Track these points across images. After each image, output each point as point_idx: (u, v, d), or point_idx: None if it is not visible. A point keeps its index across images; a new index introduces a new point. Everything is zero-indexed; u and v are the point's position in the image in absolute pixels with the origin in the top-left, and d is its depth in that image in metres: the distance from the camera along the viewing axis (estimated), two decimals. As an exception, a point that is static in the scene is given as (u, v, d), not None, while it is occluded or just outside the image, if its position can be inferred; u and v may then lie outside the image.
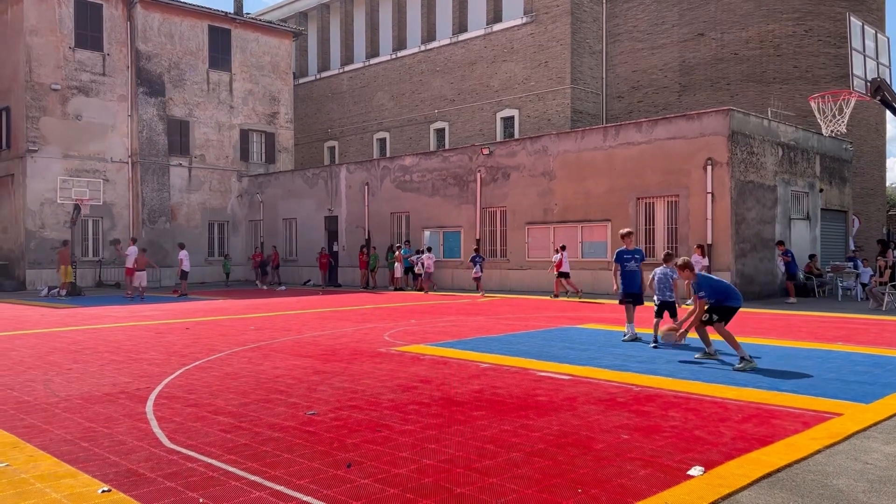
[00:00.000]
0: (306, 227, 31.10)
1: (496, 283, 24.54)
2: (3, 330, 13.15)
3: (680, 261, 9.29)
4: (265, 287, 27.54)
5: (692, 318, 8.93)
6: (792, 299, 18.68)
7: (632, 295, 11.25)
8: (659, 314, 10.59)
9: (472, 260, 23.02)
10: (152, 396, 7.00)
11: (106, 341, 11.33)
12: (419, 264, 24.80)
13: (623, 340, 11.00)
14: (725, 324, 8.75)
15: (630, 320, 11.25)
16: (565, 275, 20.35)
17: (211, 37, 32.51)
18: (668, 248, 20.34)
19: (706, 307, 8.69)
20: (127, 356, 9.69)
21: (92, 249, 29.19)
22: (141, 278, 22.31)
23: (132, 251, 23.04)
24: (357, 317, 15.37)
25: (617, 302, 11.99)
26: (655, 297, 10.73)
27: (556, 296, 20.64)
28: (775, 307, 17.55)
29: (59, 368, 8.73)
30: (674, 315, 10.57)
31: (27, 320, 15.16)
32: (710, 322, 8.74)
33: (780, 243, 19.19)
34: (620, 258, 11.29)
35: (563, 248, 20.77)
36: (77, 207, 25.65)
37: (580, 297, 19.99)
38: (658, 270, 10.81)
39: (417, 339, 11.30)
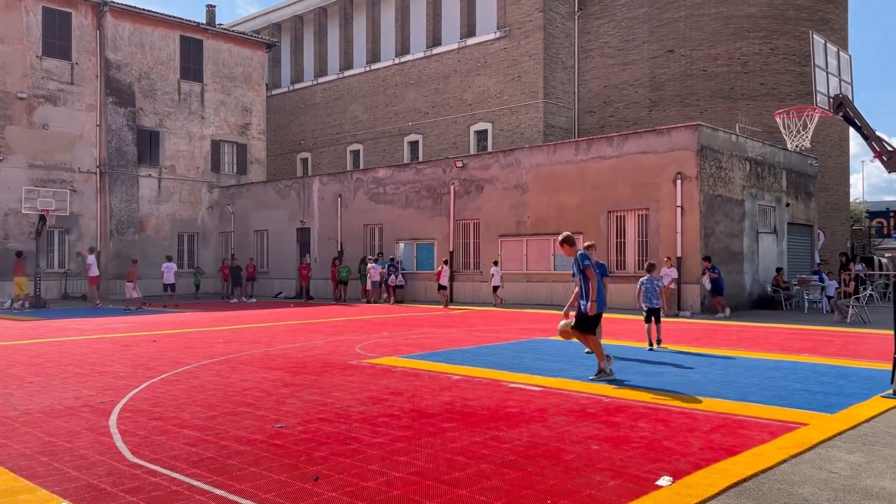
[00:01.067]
0: (278, 239, 30.86)
1: (469, 295, 24.56)
2: (-37, 343, 12.81)
3: (560, 237, 9.18)
4: (239, 300, 27.18)
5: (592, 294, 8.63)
6: (721, 314, 18.70)
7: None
8: (648, 320, 11.71)
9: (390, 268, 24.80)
10: (116, 410, 6.85)
11: (70, 354, 11.10)
12: (393, 276, 24.87)
13: (587, 353, 10.57)
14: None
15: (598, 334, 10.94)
16: (496, 288, 22.50)
17: (183, 47, 32.26)
18: (638, 261, 20.57)
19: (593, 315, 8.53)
20: (91, 369, 9.50)
21: (58, 261, 28.65)
22: (129, 290, 22.50)
23: (92, 260, 23.03)
24: (328, 329, 15.25)
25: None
26: (644, 305, 11.69)
27: (496, 305, 22.37)
28: (744, 319, 17.78)
29: (19, 382, 8.52)
30: (659, 321, 11.73)
31: (-11, 333, 14.79)
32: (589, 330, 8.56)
33: (707, 259, 19.17)
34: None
35: (496, 263, 22.95)
36: (42, 218, 25.19)
37: (502, 307, 22.10)
38: (644, 280, 11.81)
39: (389, 352, 11.24)
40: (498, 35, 34.15)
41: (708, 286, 18.83)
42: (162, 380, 8.60)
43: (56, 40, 28.73)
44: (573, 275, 10.01)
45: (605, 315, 19.06)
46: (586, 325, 8.60)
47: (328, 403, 7.10)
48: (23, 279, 22.94)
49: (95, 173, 29.68)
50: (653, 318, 11.65)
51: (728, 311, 18.75)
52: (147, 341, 12.90)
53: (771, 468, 4.91)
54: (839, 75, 17.94)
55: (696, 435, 5.82)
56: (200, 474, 4.76)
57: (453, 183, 24.99)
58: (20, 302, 23.48)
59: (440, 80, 36.45)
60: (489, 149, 33.08)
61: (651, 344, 11.59)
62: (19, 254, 24.00)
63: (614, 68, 33.34)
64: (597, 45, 34.00)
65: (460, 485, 4.54)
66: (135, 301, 22.55)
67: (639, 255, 20.77)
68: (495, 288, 22.49)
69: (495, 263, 22.91)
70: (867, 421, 6.35)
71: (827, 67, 17.15)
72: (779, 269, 22.17)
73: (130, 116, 30.42)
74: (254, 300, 27.26)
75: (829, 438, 5.72)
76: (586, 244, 10.97)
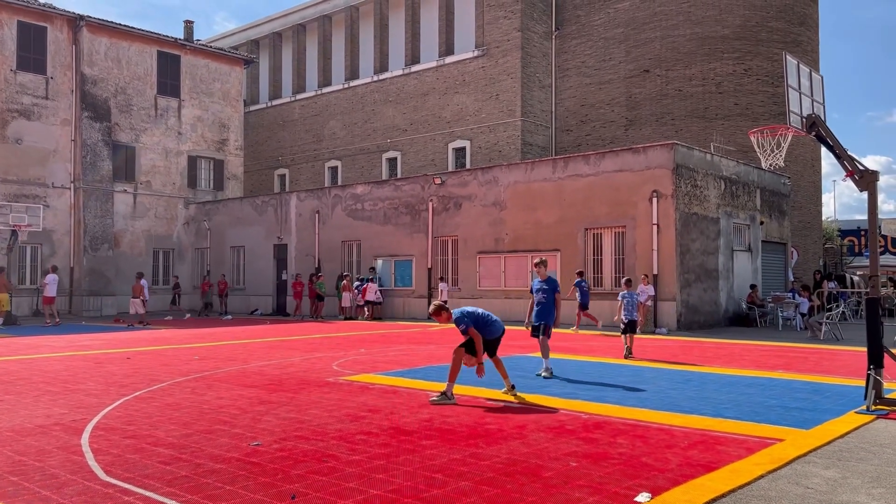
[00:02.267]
0: (255, 256, 30.65)
1: (447, 312, 24.50)
2: (-70, 360, 12.51)
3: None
4: (200, 316, 26.93)
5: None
6: (574, 328, 18.97)
7: (538, 327, 10.36)
8: (625, 331, 12.86)
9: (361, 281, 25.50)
10: (88, 428, 6.72)
11: (41, 371, 10.88)
12: (372, 292, 24.79)
13: (539, 375, 10.14)
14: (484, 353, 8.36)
15: (545, 355, 10.32)
16: (369, 302, 24.53)
17: (160, 62, 32.11)
18: (615, 278, 20.72)
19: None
20: (63, 386, 9.32)
21: (29, 277, 28.18)
22: (136, 305, 22.60)
23: (51, 279, 22.67)
24: (305, 346, 15.13)
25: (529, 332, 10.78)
26: (623, 317, 12.86)
27: (376, 319, 24.31)
28: (719, 336, 17.94)
29: (-12, 400, 8.33)
30: (634, 331, 12.96)
31: (-43, 350, 14.46)
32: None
33: (579, 273, 19.58)
34: (532, 289, 10.68)
35: (371, 279, 25.02)
36: (14, 234, 24.78)
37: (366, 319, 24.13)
38: (624, 293, 13.03)
39: (367, 369, 11.17)
40: (476, 54, 34.43)
41: (578, 298, 19.07)
42: (136, 397, 8.47)
43: (31, 54, 28.46)
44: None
45: (582, 331, 19.15)
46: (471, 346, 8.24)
47: (305, 421, 7.03)
48: (4, 295, 22.44)
49: (69, 188, 29.33)
50: (629, 330, 12.87)
51: (600, 323, 19.11)
52: (121, 358, 12.70)
53: (748, 484, 4.94)
54: (812, 95, 18.26)
55: (675, 451, 5.84)
56: (175, 493, 4.68)
57: (431, 200, 25.04)
58: (-2, 318, 23.00)
59: (419, 98, 36.61)
60: (467, 166, 33.23)
61: (628, 352, 12.70)
62: (1, 269, 23.54)
63: (591, 87, 33.73)
64: (574, 64, 34.40)
65: (439, 502, 4.51)
66: (140, 317, 22.64)
67: (615, 272, 20.91)
68: (368, 302, 24.48)
69: (370, 280, 25.08)
70: (842, 436, 6.41)
71: (800, 88, 17.44)
72: (753, 287, 22.43)
73: (106, 131, 30.15)
74: (229, 317, 27.00)
75: (805, 454, 5.77)
76: (536, 261, 10.94)
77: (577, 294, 19.06)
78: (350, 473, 5.16)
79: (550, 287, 10.40)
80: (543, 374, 10.15)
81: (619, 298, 13.09)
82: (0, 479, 5.02)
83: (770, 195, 24.89)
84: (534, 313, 10.48)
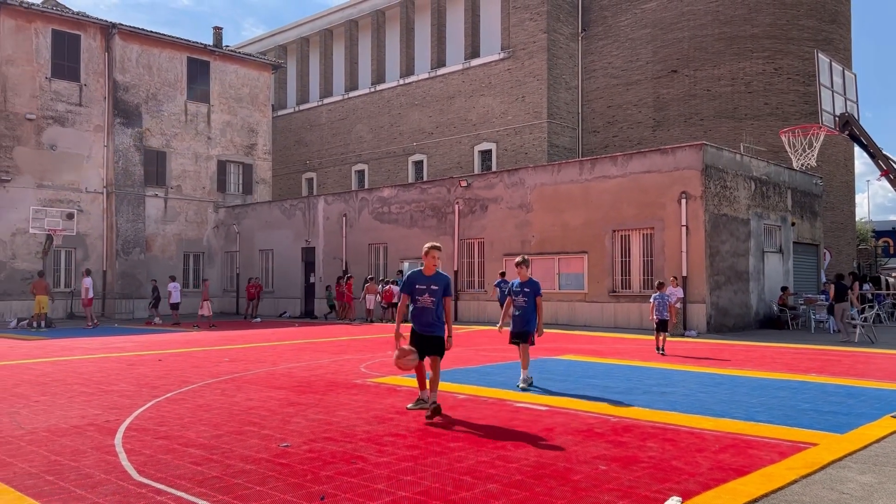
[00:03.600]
0: (283, 259, 30.91)
1: (474, 314, 24.51)
2: (-31, 362, 12.82)
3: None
4: (246, 319, 27.17)
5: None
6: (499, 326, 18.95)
7: (519, 335, 9.45)
8: (658, 330, 13.87)
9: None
10: (121, 429, 6.83)
11: (76, 373, 11.09)
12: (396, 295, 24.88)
13: (519, 387, 9.28)
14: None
15: (525, 365, 9.46)
16: (392, 305, 24.47)
17: (190, 68, 32.56)
18: (643, 280, 20.57)
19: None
20: (97, 388, 9.48)
21: (64, 280, 28.72)
22: (206, 307, 23.77)
23: (88, 282, 23.10)
24: (333, 348, 15.22)
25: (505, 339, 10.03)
26: (655, 316, 13.76)
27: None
28: (750, 339, 17.69)
29: (25, 401, 8.51)
30: (666, 330, 13.92)
31: (-6, 352, 14.80)
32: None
33: (502, 274, 19.86)
34: (511, 291, 9.64)
35: (395, 282, 24.82)
36: (49, 238, 25.27)
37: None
38: (656, 295, 13.92)
39: (394, 371, 11.20)
40: (502, 56, 34.39)
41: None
42: (167, 399, 8.59)
43: (65, 62, 29.03)
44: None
45: (612, 335, 19.03)
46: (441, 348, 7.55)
47: (333, 423, 7.07)
48: (44, 298, 22.92)
49: (102, 193, 29.85)
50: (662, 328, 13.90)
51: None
52: (153, 360, 12.89)
53: (781, 488, 4.86)
54: (844, 94, 18.02)
55: (705, 455, 5.77)
56: (206, 493, 4.74)
57: (458, 202, 25.05)
58: (26, 321, 23.48)
59: (445, 101, 36.67)
60: (493, 168, 33.19)
61: (659, 349, 13.79)
62: (41, 273, 24.02)
63: (618, 88, 33.51)
64: (600, 65, 34.21)
65: (467, 504, 4.51)
66: (206, 318, 23.67)
67: (644, 275, 20.73)
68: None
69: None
70: (878, 441, 6.29)
71: (832, 86, 17.22)
72: (784, 288, 22.08)
73: (137, 137, 30.64)
74: (258, 319, 27.25)
75: (840, 459, 5.66)
76: (517, 260, 9.80)
77: (497, 294, 19.35)
78: (378, 475, 5.18)
79: (532, 290, 9.41)
80: (522, 385, 9.22)
81: (651, 300, 13.96)
82: (37, 479, 5.13)
83: (801, 196, 24.49)
84: (514, 319, 9.48)
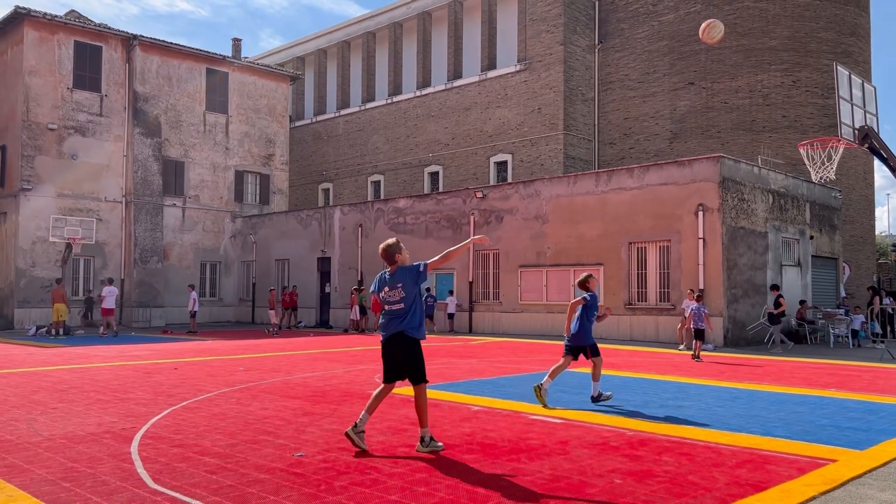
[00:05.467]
0: (299, 269, 31.05)
1: (489, 325, 24.46)
2: (-11, 368, 12.96)
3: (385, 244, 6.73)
4: (291, 327, 27.37)
5: None
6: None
7: (581, 348, 9.15)
8: (695, 338, 15.13)
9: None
10: (138, 436, 6.87)
11: (93, 380, 11.18)
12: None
13: (604, 398, 9.15)
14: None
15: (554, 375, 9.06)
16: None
17: (209, 79, 32.91)
18: (660, 293, 20.46)
19: None
20: (113, 395, 9.55)
21: (82, 289, 28.99)
22: (272, 315, 25.33)
23: (108, 291, 23.24)
24: (348, 358, 15.24)
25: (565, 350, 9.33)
26: (692, 325, 15.19)
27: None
28: (768, 353, 17.51)
29: (43, 407, 8.58)
30: (702, 338, 15.21)
31: (13, 359, 14.96)
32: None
33: (427, 289, 20.25)
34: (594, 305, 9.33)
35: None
36: (69, 246, 25.54)
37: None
38: (693, 306, 15.32)
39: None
40: (518, 68, 34.47)
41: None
42: (183, 407, 8.63)
43: (87, 73, 29.45)
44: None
45: (628, 348, 18.99)
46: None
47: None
48: (62, 306, 23.14)
49: (121, 202, 30.17)
50: (699, 337, 15.11)
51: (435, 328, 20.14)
52: (169, 368, 12.97)
53: (800, 505, 4.80)
54: (864, 107, 17.87)
55: (722, 470, 5.71)
56: (220, 502, 4.75)
57: (473, 213, 25.07)
58: (45, 329, 23.71)
59: (461, 112, 36.78)
60: (509, 180, 33.20)
61: (695, 356, 14.91)
62: (59, 281, 24.27)
63: (635, 100, 33.45)
64: (617, 77, 34.18)
65: (481, 517, 4.48)
66: (273, 326, 25.21)
67: (660, 287, 20.61)
68: (451, 316, 24.72)
69: (451, 293, 25.30)
70: (898, 458, 6.19)
71: (851, 99, 17.09)
72: (802, 302, 21.84)
73: (157, 147, 30.97)
74: (302, 324, 27.49)
75: (860, 475, 5.58)
76: (586, 275, 9.47)
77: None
78: (392, 486, 5.17)
79: (594, 302, 9.34)
80: (607, 395, 9.16)
81: (688, 311, 15.56)
82: (53, 485, 5.17)
83: (820, 209, 24.28)
84: (584, 331, 9.16)
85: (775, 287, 19.25)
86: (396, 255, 6.50)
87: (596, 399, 9.04)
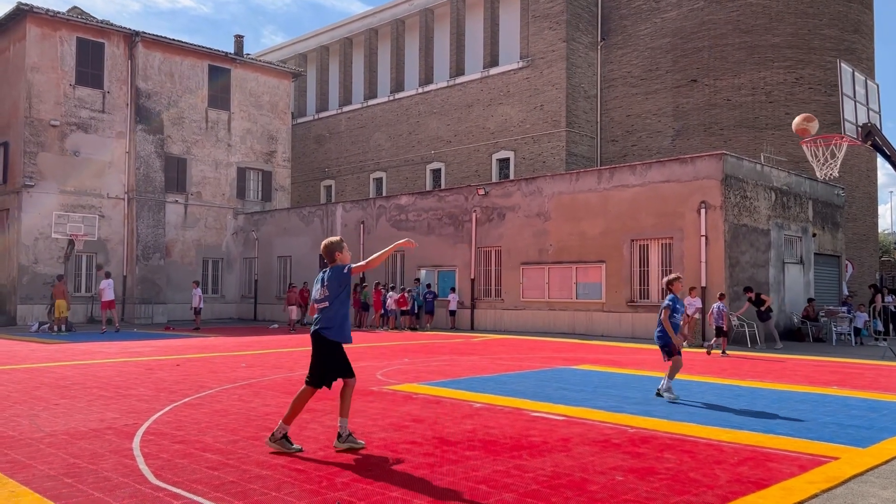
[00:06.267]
0: (301, 266, 31.05)
1: (491, 322, 24.46)
2: (-9, 364, 12.98)
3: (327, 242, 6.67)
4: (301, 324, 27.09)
5: None
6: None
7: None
8: (717, 335, 16.14)
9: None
10: (139, 433, 6.88)
11: (95, 377, 11.19)
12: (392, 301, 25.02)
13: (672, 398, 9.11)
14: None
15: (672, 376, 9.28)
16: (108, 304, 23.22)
17: (211, 76, 32.90)
18: (662, 290, 20.41)
19: None
20: (115, 392, 9.57)
21: (85, 285, 29.04)
22: (292, 312, 25.53)
23: (107, 284, 23.16)
24: (350, 355, 15.20)
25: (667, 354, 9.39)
26: (714, 324, 16.20)
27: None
28: (770, 350, 17.50)
29: (45, 403, 8.60)
30: (726, 335, 16.22)
31: (16, 355, 14.99)
32: None
33: (427, 285, 20.27)
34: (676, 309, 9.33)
35: (406, 290, 25.49)
36: (71, 243, 25.56)
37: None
38: (716, 305, 16.41)
39: (410, 378, 11.19)
40: (521, 65, 34.42)
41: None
42: (185, 403, 8.64)
43: (89, 69, 29.45)
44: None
45: (630, 345, 18.96)
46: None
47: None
48: (63, 302, 23.16)
49: (123, 199, 30.20)
50: (721, 334, 16.11)
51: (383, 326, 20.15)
52: (171, 365, 12.99)
53: (802, 502, 4.79)
54: (867, 104, 17.81)
55: (724, 467, 5.71)
56: (222, 498, 4.75)
57: (475, 210, 25.05)
58: (47, 325, 23.74)
59: (463, 109, 36.75)
60: (511, 177, 33.17)
61: (723, 352, 15.83)
62: (60, 277, 24.28)
63: (637, 98, 33.39)
64: (619, 74, 34.12)
65: (483, 514, 4.48)
66: (293, 322, 25.46)
67: (662, 285, 20.57)
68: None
69: (452, 290, 25.19)
70: (900, 456, 6.18)
71: (855, 96, 17.02)
72: (810, 301, 21.79)
73: (159, 144, 30.98)
74: (276, 325, 27.37)
75: (862, 473, 5.57)
76: (676, 276, 9.59)
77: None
78: (394, 482, 5.17)
79: (677, 305, 9.32)
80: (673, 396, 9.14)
81: (712, 309, 16.51)
82: (55, 481, 5.17)
83: (823, 206, 24.24)
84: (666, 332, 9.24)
85: (749, 289, 18.91)
86: (336, 252, 6.42)
87: (662, 392, 9.25)
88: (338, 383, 6.37)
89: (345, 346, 6.31)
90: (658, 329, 9.35)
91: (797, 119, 7.86)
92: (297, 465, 5.64)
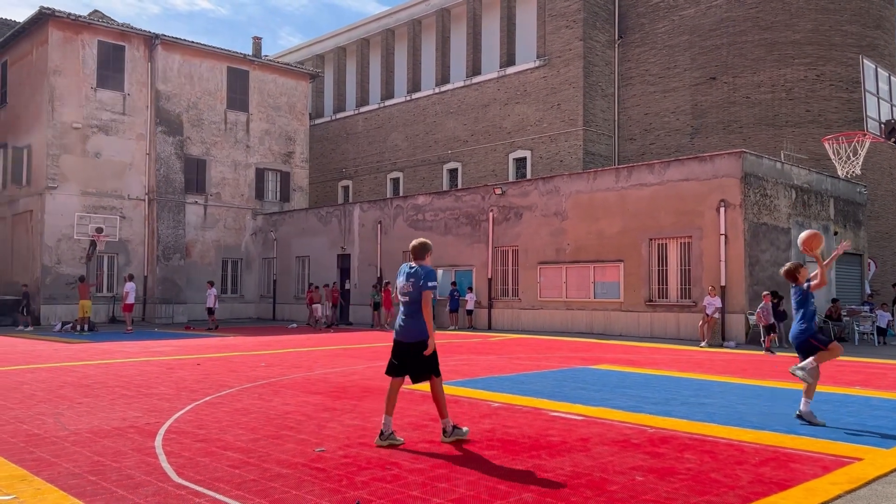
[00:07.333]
0: (319, 265, 31.20)
1: (508, 322, 24.42)
2: (16, 364, 13.18)
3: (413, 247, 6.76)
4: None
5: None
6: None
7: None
8: (767, 332, 17.03)
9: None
10: (161, 431, 6.96)
11: (117, 376, 11.33)
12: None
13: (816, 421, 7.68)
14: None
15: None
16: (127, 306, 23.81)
17: (229, 78, 33.13)
18: (681, 289, 20.30)
19: None
20: (137, 391, 9.67)
21: (106, 285, 29.36)
22: (317, 310, 26.31)
23: (130, 287, 23.49)
24: (368, 354, 15.30)
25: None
26: (762, 322, 17.19)
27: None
28: (790, 350, 17.31)
29: (69, 402, 8.71)
30: (775, 332, 17.22)
31: (40, 354, 15.20)
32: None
33: (452, 283, 20.29)
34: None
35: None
36: (93, 243, 25.84)
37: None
38: (762, 305, 17.16)
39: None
40: (538, 64, 34.33)
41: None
42: (206, 402, 8.72)
43: (110, 72, 29.77)
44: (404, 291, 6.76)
45: (648, 345, 18.86)
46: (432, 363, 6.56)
47: (368, 428, 7.11)
48: (87, 302, 23.46)
49: (144, 200, 30.50)
50: (770, 331, 17.01)
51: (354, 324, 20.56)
52: (191, 364, 13.10)
53: (825, 503, 4.75)
54: (890, 100, 17.59)
55: (745, 468, 5.67)
56: (243, 496, 4.80)
57: (492, 210, 25.03)
58: (70, 325, 24.03)
59: (480, 109, 36.72)
60: (528, 176, 33.10)
61: (768, 349, 16.51)
62: (83, 278, 24.56)
63: (655, 96, 33.19)
64: (637, 72, 33.93)
65: (502, 513, 4.48)
66: (319, 320, 26.36)
67: (681, 284, 20.45)
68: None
69: (470, 289, 25.23)
70: (925, 457, 6.10)
71: (878, 92, 16.83)
72: (834, 300, 21.51)
73: (178, 145, 31.25)
74: (294, 325, 27.49)
75: (886, 474, 5.51)
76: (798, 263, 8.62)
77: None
78: (413, 481, 5.19)
79: (800, 295, 8.80)
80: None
81: (759, 309, 17.34)
82: (80, 479, 5.25)
83: (844, 204, 23.95)
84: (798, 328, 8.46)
85: (775, 294, 18.44)
86: (427, 254, 6.78)
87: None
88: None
89: (414, 343, 6.60)
90: (800, 322, 8.20)
91: (804, 235, 7.31)
92: (317, 464, 5.67)
